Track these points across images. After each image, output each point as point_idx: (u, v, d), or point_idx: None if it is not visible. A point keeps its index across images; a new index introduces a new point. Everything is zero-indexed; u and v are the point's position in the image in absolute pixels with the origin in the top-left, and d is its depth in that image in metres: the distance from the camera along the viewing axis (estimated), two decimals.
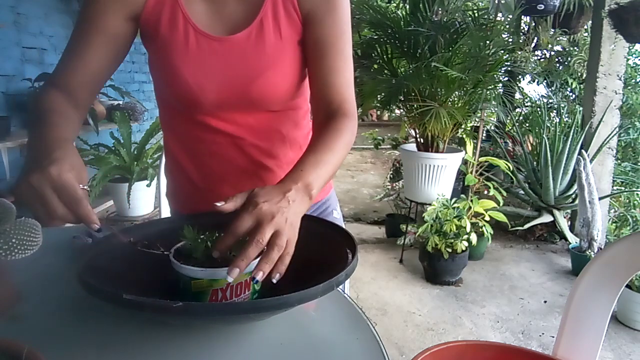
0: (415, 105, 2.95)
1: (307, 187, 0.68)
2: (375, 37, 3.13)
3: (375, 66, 3.22)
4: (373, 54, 3.18)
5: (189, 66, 0.80)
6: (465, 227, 2.70)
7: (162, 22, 0.81)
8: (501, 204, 3.18)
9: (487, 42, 2.83)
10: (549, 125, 3.59)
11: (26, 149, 0.68)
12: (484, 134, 3.84)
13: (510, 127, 4.19)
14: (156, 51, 0.83)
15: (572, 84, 4.60)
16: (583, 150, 3.17)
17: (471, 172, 3.08)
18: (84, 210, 0.57)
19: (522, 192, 3.58)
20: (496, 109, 3.04)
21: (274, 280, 0.57)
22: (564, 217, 3.44)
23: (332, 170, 0.77)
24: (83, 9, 0.82)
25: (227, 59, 0.81)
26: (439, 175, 2.94)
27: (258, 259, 0.59)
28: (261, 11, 0.81)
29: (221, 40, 0.81)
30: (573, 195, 3.32)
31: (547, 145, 3.30)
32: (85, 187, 0.59)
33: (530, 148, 3.73)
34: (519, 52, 4.30)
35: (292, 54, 0.84)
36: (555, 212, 3.38)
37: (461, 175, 3.40)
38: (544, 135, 3.39)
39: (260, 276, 0.55)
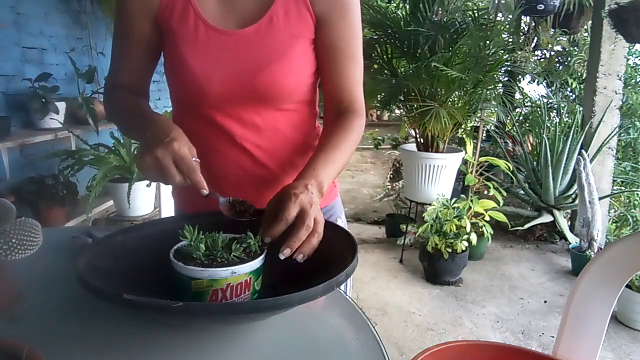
0: (415, 105, 2.94)
1: (320, 184, 0.75)
2: (375, 37, 3.12)
3: (375, 66, 3.22)
4: (373, 54, 3.18)
5: (196, 56, 0.83)
6: (465, 227, 2.70)
7: (173, 17, 0.84)
8: (501, 204, 3.18)
9: (487, 42, 2.83)
10: (549, 125, 3.59)
11: (135, 133, 0.82)
12: (484, 134, 3.84)
13: (510, 127, 4.18)
14: (167, 44, 0.87)
15: (572, 84, 4.60)
16: (583, 150, 3.17)
17: (471, 172, 3.08)
18: (198, 177, 0.69)
19: (522, 192, 3.58)
20: (496, 109, 3.04)
21: (300, 259, 0.63)
22: (564, 217, 3.44)
23: (340, 168, 0.84)
24: (115, 17, 0.91)
25: (234, 51, 0.83)
26: (439, 175, 2.94)
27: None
28: (271, 8, 0.84)
29: (230, 34, 0.84)
30: (573, 195, 3.32)
31: (547, 145, 3.29)
32: (196, 160, 0.70)
33: (530, 148, 3.73)
34: (519, 52, 4.30)
35: (301, 51, 0.86)
36: (555, 212, 3.38)
37: (461, 175, 3.40)
38: (544, 135, 3.38)
39: (287, 252, 0.62)
